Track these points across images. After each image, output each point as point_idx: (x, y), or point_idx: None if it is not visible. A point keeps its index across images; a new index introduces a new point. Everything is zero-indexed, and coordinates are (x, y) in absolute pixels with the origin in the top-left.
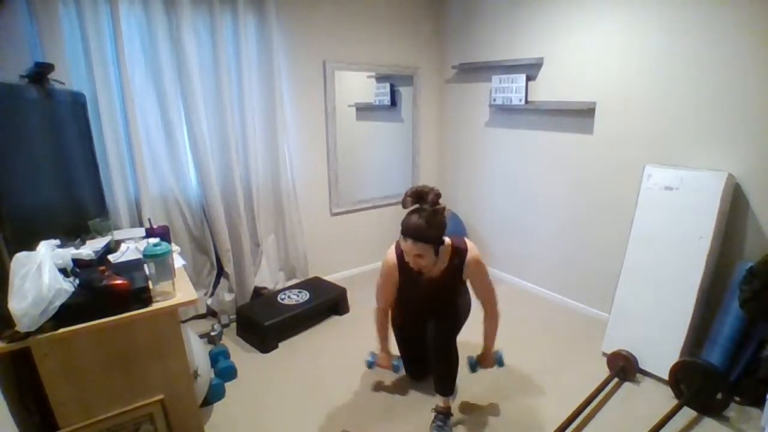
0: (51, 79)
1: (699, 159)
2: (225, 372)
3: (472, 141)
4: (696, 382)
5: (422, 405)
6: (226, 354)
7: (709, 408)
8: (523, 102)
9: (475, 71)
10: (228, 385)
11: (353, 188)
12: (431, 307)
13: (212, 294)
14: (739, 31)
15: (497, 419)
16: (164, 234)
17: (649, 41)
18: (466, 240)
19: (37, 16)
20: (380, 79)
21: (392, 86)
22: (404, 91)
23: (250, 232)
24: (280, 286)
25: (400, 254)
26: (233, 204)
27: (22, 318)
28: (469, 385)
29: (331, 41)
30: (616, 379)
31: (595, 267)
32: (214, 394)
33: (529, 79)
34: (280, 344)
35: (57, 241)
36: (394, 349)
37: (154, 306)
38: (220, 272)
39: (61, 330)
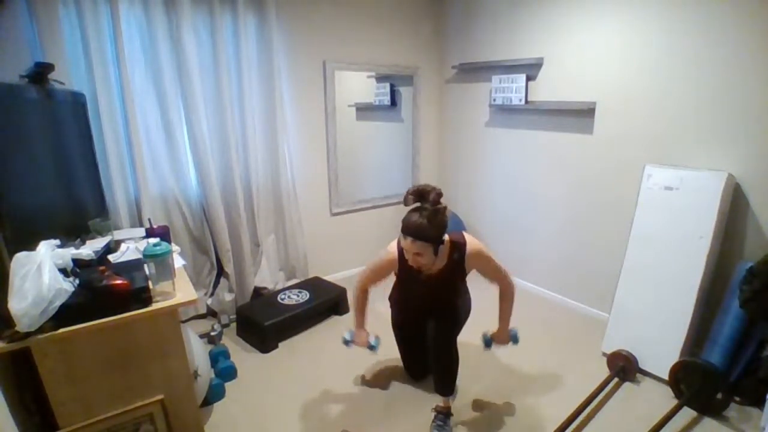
0: (51, 79)
1: (699, 159)
2: (225, 372)
3: (472, 141)
4: (696, 382)
5: (422, 405)
6: (226, 354)
7: (709, 408)
8: (523, 102)
9: (475, 71)
10: (228, 385)
11: (353, 188)
12: (431, 306)
13: (212, 294)
14: (739, 31)
15: (497, 419)
16: (164, 234)
17: (649, 41)
18: (465, 234)
19: (37, 16)
20: (380, 79)
21: (392, 86)
22: (404, 91)
23: (250, 232)
24: (280, 286)
25: (401, 251)
26: (233, 204)
27: (22, 318)
28: (470, 385)
29: (331, 41)
30: (616, 379)
31: (595, 267)
32: (214, 394)
33: (529, 79)
34: (280, 344)
35: (57, 241)
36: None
37: (154, 306)
38: (220, 272)
39: (61, 330)
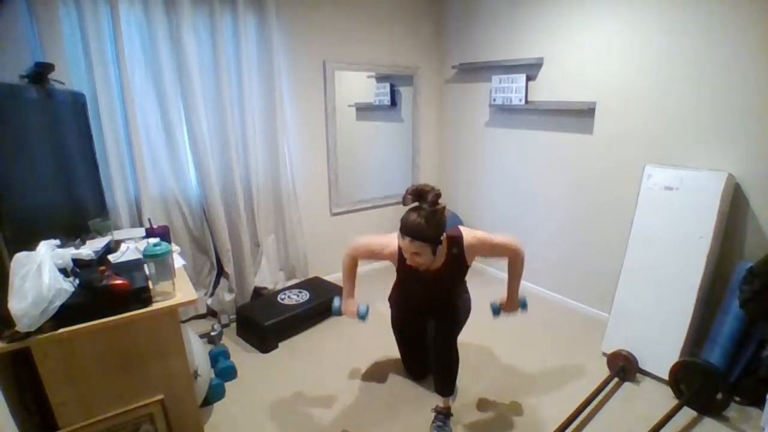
0: (51, 79)
1: (699, 159)
2: (225, 372)
3: (472, 141)
4: (696, 382)
5: (422, 405)
6: (226, 354)
7: (709, 408)
8: (523, 102)
9: (475, 71)
10: (228, 385)
11: (353, 188)
12: (431, 306)
13: (212, 294)
14: (739, 31)
15: (497, 419)
16: (164, 234)
17: (649, 41)
18: (461, 227)
19: (37, 16)
20: (380, 79)
21: (392, 86)
22: (404, 91)
23: (250, 232)
24: (280, 286)
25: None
26: (233, 204)
27: (22, 318)
28: (470, 385)
29: (331, 41)
30: (616, 379)
31: (595, 267)
32: (214, 394)
33: (529, 79)
34: (280, 344)
35: (57, 241)
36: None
37: (154, 306)
38: (220, 272)
39: (61, 330)
